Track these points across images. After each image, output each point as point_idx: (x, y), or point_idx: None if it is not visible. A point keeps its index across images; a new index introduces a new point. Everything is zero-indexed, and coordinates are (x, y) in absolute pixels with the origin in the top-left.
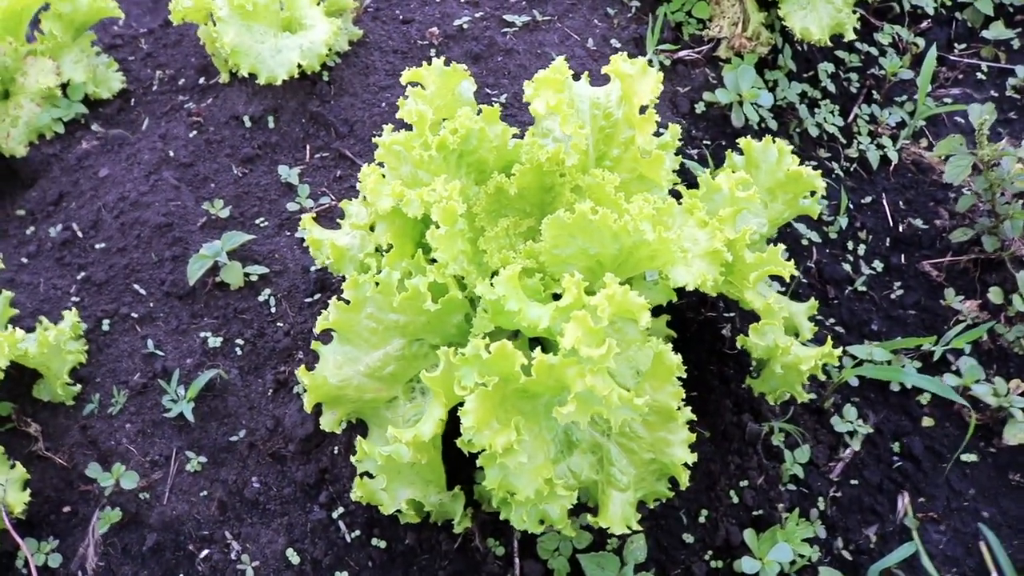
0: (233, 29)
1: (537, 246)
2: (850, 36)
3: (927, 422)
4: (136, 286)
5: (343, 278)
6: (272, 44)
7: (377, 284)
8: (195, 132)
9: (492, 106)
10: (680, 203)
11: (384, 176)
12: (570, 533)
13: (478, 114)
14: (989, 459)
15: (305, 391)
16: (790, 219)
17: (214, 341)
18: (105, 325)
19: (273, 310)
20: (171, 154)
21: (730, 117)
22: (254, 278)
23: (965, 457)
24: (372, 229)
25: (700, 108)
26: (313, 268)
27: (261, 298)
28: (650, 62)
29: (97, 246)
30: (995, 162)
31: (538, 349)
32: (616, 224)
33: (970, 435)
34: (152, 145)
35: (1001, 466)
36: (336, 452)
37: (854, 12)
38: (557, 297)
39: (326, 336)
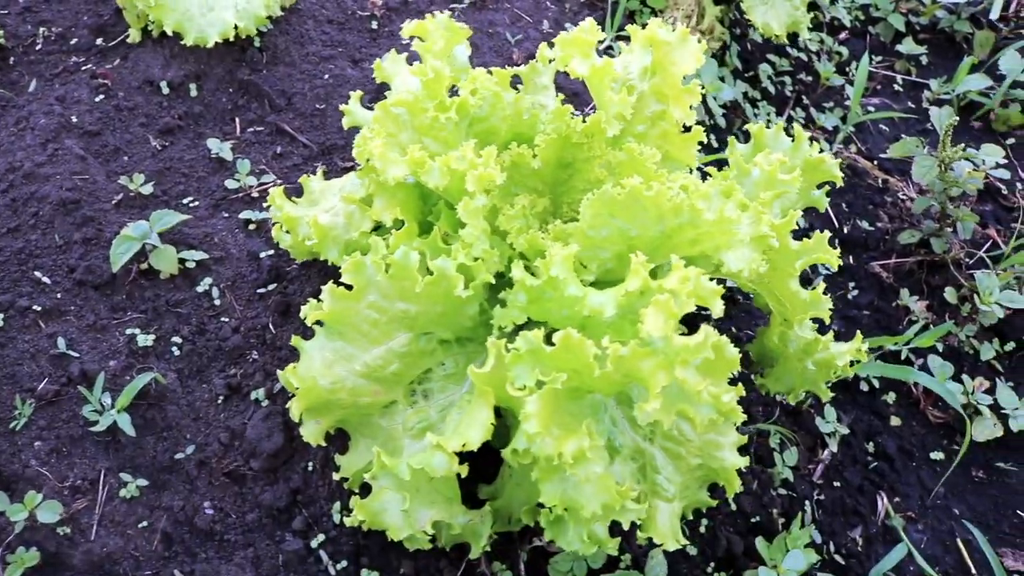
0: None
1: (570, 227)
2: (805, 35)
3: (895, 421)
4: (37, 273)
5: (310, 264)
6: (202, 0)
7: (387, 268)
8: (102, 96)
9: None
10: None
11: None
12: (613, 552)
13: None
14: (953, 457)
15: (292, 396)
16: (799, 207)
17: (144, 339)
18: None
19: (216, 303)
20: (73, 120)
21: None
22: (189, 265)
23: (932, 455)
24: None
25: None
26: (264, 254)
27: (200, 288)
28: (609, 49)
29: None
30: (950, 165)
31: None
32: (671, 202)
33: (967, 441)
34: (48, 108)
35: (964, 463)
36: (310, 468)
37: (808, 11)
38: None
39: (303, 330)
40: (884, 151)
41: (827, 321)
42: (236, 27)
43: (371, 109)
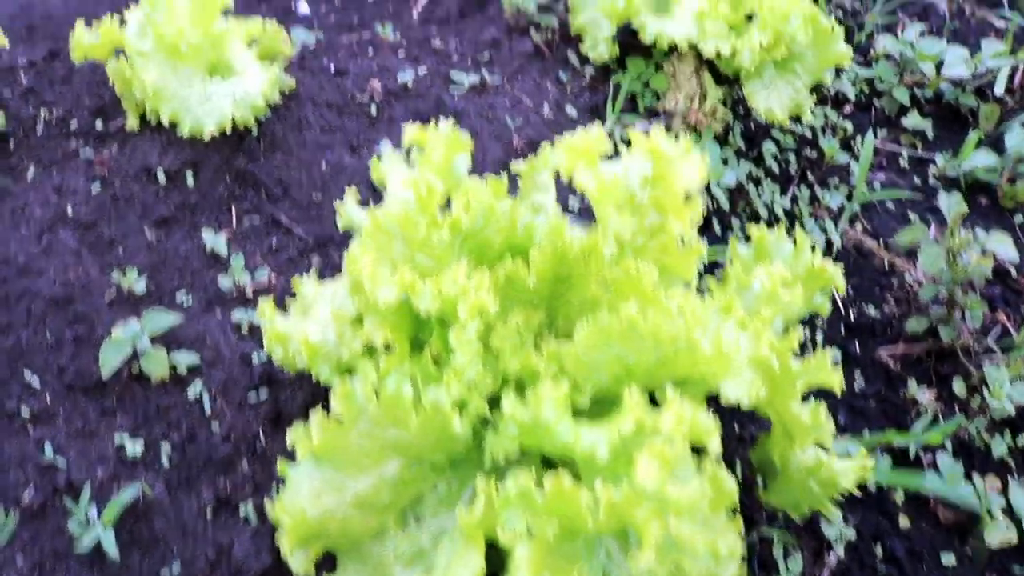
0: (156, 68)
1: (564, 348)
2: (807, 118)
3: (904, 522)
4: (27, 374)
5: (298, 378)
6: (200, 90)
7: (377, 395)
8: (98, 185)
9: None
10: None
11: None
12: None
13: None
14: (966, 561)
15: (277, 527)
16: (801, 318)
17: (133, 447)
18: None
19: (207, 408)
20: (69, 210)
21: None
22: (180, 368)
23: (944, 559)
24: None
25: None
26: (256, 357)
27: (190, 393)
28: (611, 134)
29: None
30: (958, 253)
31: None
32: (668, 332)
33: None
34: (44, 199)
35: (979, 570)
36: None
37: (811, 94)
38: (580, 412)
39: (287, 451)
40: (891, 228)
41: (828, 446)
42: (233, 118)
43: (367, 205)
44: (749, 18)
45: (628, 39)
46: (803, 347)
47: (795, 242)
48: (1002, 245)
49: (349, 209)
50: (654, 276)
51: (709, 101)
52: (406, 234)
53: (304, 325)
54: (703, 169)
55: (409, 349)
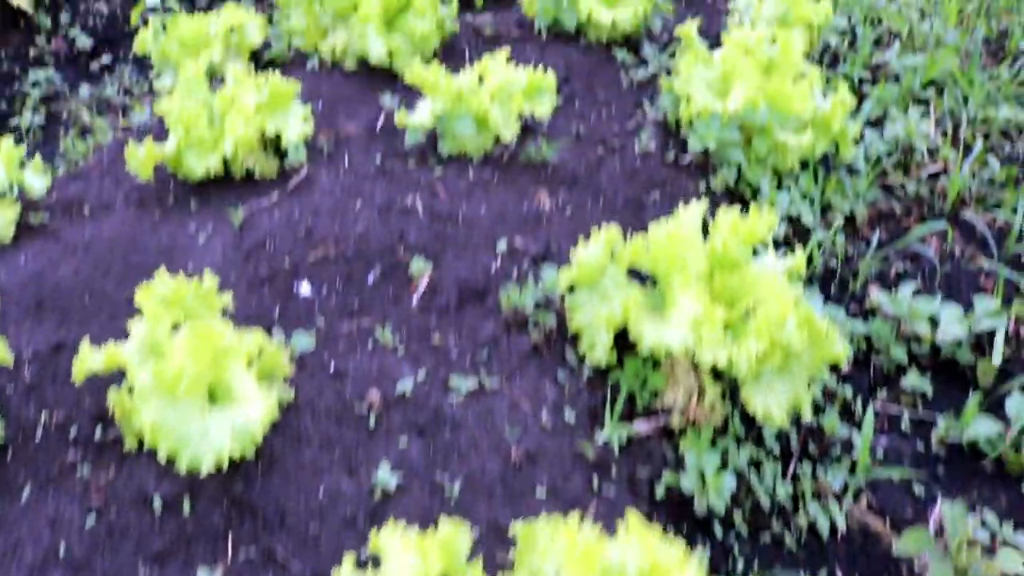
0: (155, 405)
1: None
2: (807, 415)
3: None
4: None
5: None
6: (199, 423)
7: None
8: (93, 517)
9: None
10: None
11: None
12: None
13: None
14: None
15: None
16: None
17: None
18: None
19: None
20: (62, 546)
21: (690, 499)
22: None
23: None
24: None
25: (660, 491)
26: None
27: None
28: (608, 441)
29: None
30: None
31: None
32: None
33: None
34: (37, 533)
35: None
36: None
37: (809, 388)
38: None
39: None
40: (896, 500)
41: None
42: (231, 451)
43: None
44: (746, 314)
45: (625, 338)
46: None
47: None
48: (1013, 562)
49: None
50: None
51: (708, 397)
52: None
53: None
54: None
55: None
